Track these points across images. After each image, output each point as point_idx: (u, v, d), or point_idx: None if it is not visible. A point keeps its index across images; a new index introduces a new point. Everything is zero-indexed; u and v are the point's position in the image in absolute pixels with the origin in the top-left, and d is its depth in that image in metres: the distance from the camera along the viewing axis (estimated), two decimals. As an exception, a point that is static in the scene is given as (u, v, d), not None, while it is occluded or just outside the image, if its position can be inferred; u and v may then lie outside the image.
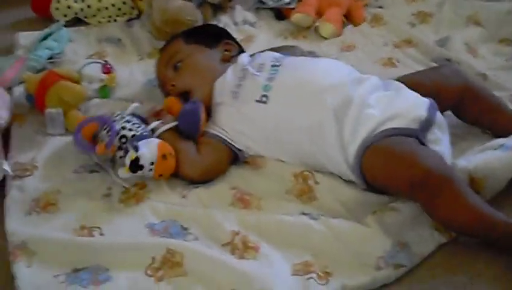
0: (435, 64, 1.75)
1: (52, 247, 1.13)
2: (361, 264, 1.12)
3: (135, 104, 1.42)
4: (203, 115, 1.37)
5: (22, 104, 1.57)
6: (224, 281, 1.07)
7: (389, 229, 1.16)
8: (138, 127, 1.32)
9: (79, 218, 1.21)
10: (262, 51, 1.59)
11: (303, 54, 1.67)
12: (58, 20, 2.00)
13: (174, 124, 1.37)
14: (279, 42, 1.91)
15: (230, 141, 1.36)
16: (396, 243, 1.14)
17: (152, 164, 1.26)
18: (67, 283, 1.07)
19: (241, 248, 1.15)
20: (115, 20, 2.08)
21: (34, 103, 1.53)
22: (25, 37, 1.93)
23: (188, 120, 1.36)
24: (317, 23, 2.00)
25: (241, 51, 1.59)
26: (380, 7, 2.16)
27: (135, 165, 1.25)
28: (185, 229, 1.19)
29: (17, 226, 1.19)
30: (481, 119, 1.46)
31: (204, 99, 1.42)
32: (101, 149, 1.29)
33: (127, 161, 1.26)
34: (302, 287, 1.08)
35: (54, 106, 1.46)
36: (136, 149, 1.25)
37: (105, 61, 1.68)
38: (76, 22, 2.07)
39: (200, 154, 1.34)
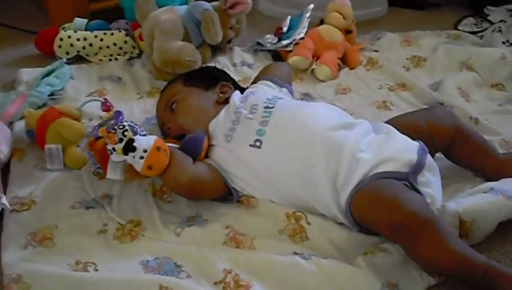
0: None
1: (47, 281, 1.13)
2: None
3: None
4: (206, 143, 1.39)
5: (22, 139, 1.59)
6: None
7: (379, 270, 1.17)
8: (142, 132, 1.32)
9: (74, 253, 1.23)
10: (253, 82, 1.64)
11: (288, 71, 1.73)
12: (60, 58, 2.04)
13: (175, 145, 1.37)
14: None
15: (226, 178, 1.38)
16: (386, 284, 1.15)
17: (145, 151, 1.23)
18: (61, 318, 1.08)
19: (233, 286, 1.16)
20: (116, 59, 2.11)
21: (34, 138, 1.55)
22: (28, 73, 1.96)
23: (191, 143, 1.38)
24: (313, 66, 2.03)
25: (240, 90, 1.60)
26: (376, 51, 2.20)
27: (128, 146, 1.23)
28: (178, 266, 1.20)
29: (13, 259, 1.20)
30: (472, 161, 1.48)
31: None
32: (103, 132, 1.33)
33: (123, 143, 1.24)
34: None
35: (53, 142, 1.48)
36: (135, 133, 1.27)
37: (105, 99, 1.70)
38: (78, 59, 2.11)
39: (196, 166, 1.35)
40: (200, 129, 1.43)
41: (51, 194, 1.41)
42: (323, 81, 2.01)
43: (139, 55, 2.14)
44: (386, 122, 1.47)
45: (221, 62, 2.10)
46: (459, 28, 2.49)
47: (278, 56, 2.14)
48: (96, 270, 1.19)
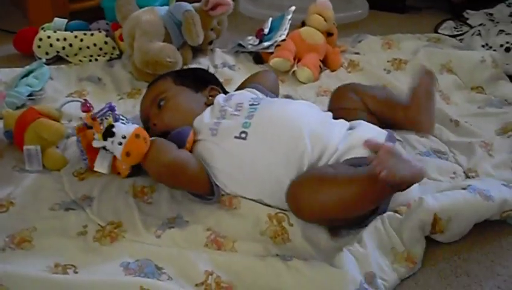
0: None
1: (26, 284, 1.12)
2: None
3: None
4: (191, 136, 1.39)
5: (0, 140, 1.57)
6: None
7: (358, 263, 1.19)
8: (128, 122, 1.35)
9: (54, 255, 1.21)
10: (240, 88, 1.65)
11: (275, 79, 1.75)
12: (39, 58, 2.02)
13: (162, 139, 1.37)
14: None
15: (210, 173, 1.37)
16: (364, 278, 1.16)
17: (124, 137, 1.26)
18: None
19: (214, 288, 1.16)
20: (96, 60, 2.09)
21: (13, 139, 1.53)
22: (6, 74, 1.94)
23: (177, 136, 1.38)
24: (295, 68, 2.03)
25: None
26: (357, 53, 2.21)
27: (108, 132, 1.27)
28: (159, 268, 1.19)
29: (-9, 262, 1.18)
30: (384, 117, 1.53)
31: None
32: (88, 119, 1.36)
33: (104, 126, 1.29)
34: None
35: (32, 142, 1.47)
36: (116, 120, 1.29)
37: (85, 100, 1.68)
38: (57, 60, 2.09)
39: (180, 151, 1.34)
40: (187, 126, 1.43)
41: (29, 195, 1.39)
42: (304, 83, 2.01)
43: (119, 56, 2.13)
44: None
45: (203, 63, 2.10)
46: (439, 31, 2.51)
47: (259, 58, 2.14)
48: (76, 272, 1.18)
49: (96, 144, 1.29)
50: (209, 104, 1.54)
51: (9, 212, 1.34)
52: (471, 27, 2.46)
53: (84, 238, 1.27)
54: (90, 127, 1.38)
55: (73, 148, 1.54)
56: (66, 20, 2.17)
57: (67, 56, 2.08)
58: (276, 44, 2.12)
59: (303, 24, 2.18)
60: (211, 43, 2.18)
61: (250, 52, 2.18)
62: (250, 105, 1.44)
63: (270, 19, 2.28)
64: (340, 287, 1.15)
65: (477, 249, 1.32)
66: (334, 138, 1.36)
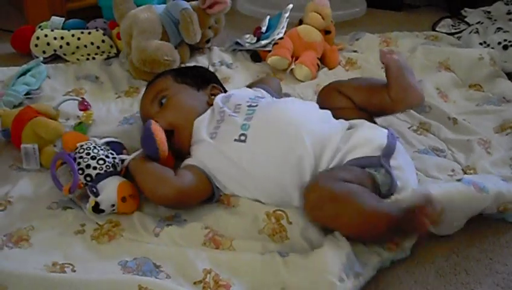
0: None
1: (24, 283, 1.11)
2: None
3: (110, 139, 1.43)
4: (159, 134, 1.34)
5: (-3, 139, 1.57)
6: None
7: (341, 244, 1.19)
8: (103, 164, 1.33)
9: (51, 254, 1.21)
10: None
11: (279, 86, 1.75)
12: (37, 57, 2.02)
13: (139, 152, 1.37)
14: (255, 84, 1.94)
15: (209, 174, 1.37)
16: (350, 254, 1.18)
17: (113, 205, 1.30)
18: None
19: (213, 286, 1.15)
20: (94, 58, 2.09)
21: (10, 138, 1.53)
22: (3, 72, 1.94)
23: (146, 143, 1.35)
24: (292, 66, 2.03)
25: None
26: (355, 51, 2.20)
27: (97, 209, 1.29)
28: (157, 267, 1.19)
29: (-11, 261, 1.17)
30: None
31: (187, 138, 1.44)
32: (66, 192, 1.34)
33: (89, 204, 1.29)
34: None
35: (29, 141, 1.47)
36: (96, 195, 1.28)
37: (83, 98, 1.68)
38: (55, 58, 2.08)
39: (179, 176, 1.34)
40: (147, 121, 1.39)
41: (27, 194, 1.39)
42: (302, 81, 2.01)
43: (116, 55, 2.12)
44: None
45: (200, 62, 2.09)
46: (437, 29, 2.51)
47: (256, 56, 2.14)
48: (74, 271, 1.17)
49: (88, 214, 1.31)
50: (211, 103, 1.53)
51: (7, 211, 1.33)
52: (469, 25, 2.45)
53: (82, 237, 1.27)
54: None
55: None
56: (63, 19, 2.17)
57: (64, 55, 2.08)
58: (273, 42, 2.11)
59: (301, 22, 2.18)
60: (208, 41, 2.18)
61: (248, 51, 2.18)
62: (248, 106, 1.43)
63: (268, 17, 2.28)
64: (330, 264, 1.15)
65: (476, 247, 1.32)
66: (334, 137, 1.36)
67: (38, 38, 2.06)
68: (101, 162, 1.33)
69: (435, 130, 1.70)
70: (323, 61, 2.12)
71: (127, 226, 1.30)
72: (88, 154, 1.33)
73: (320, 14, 2.13)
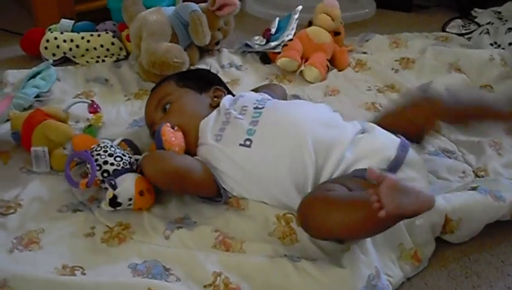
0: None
1: (34, 285, 1.11)
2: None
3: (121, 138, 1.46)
4: (166, 134, 1.38)
5: (8, 142, 1.57)
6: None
7: (363, 262, 1.18)
8: (120, 161, 1.36)
9: (61, 257, 1.21)
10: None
11: (285, 93, 1.74)
12: (47, 59, 2.02)
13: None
14: (265, 86, 1.94)
15: (216, 176, 1.37)
16: (371, 275, 1.16)
17: (130, 199, 1.30)
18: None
19: (223, 289, 1.15)
20: (103, 61, 2.09)
21: (20, 141, 1.53)
22: (13, 75, 1.94)
23: (157, 143, 1.39)
24: (302, 68, 2.02)
25: (232, 95, 1.60)
26: (364, 53, 2.20)
27: (114, 203, 1.30)
28: (167, 270, 1.19)
29: (-1, 263, 1.18)
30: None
31: (191, 142, 1.44)
32: (83, 186, 1.34)
33: (106, 197, 1.30)
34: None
35: (39, 144, 1.47)
36: (114, 187, 1.29)
37: (92, 101, 1.69)
38: (64, 61, 2.08)
39: (183, 157, 1.35)
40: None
41: (37, 197, 1.39)
42: (311, 82, 2.00)
43: (126, 57, 2.12)
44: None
45: (209, 64, 2.09)
46: (447, 30, 2.50)
47: (266, 58, 2.14)
48: (84, 274, 1.17)
49: (105, 208, 1.32)
50: (214, 105, 1.53)
51: (17, 214, 1.33)
52: (479, 25, 2.44)
53: (92, 240, 1.27)
54: (84, 163, 1.40)
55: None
56: (72, 22, 2.17)
57: (74, 57, 2.08)
58: (283, 44, 2.11)
59: (310, 23, 2.18)
60: (217, 43, 2.18)
61: (257, 52, 2.17)
62: (255, 108, 1.43)
63: (277, 18, 2.27)
64: (348, 287, 1.14)
65: (487, 250, 1.32)
66: (341, 145, 1.33)
67: (48, 41, 2.06)
68: (118, 159, 1.36)
69: (445, 132, 1.69)
70: (333, 63, 2.11)
71: (137, 228, 1.30)
72: (105, 151, 1.36)
73: (329, 16, 2.13)
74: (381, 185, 1.04)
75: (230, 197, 1.38)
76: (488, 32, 2.30)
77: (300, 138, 1.33)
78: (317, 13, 2.15)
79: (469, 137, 1.66)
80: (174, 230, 1.29)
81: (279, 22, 2.26)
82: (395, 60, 2.11)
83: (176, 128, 1.43)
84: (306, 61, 2.04)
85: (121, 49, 2.11)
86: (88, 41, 2.08)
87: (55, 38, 2.07)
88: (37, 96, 1.79)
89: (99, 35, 2.10)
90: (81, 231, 1.29)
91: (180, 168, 1.31)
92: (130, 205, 1.31)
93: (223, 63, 2.11)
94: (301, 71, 2.03)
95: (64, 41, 2.07)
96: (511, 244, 1.34)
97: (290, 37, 2.14)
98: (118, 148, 1.39)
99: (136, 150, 1.47)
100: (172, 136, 1.39)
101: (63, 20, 2.18)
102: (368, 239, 1.23)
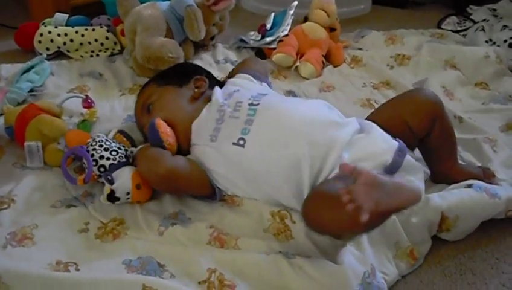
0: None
1: (27, 281, 1.11)
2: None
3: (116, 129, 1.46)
4: (161, 127, 1.38)
5: (1, 137, 1.56)
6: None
7: (359, 259, 1.19)
8: (116, 154, 1.36)
9: (55, 253, 1.20)
10: (230, 76, 1.64)
11: (265, 68, 1.74)
12: (40, 53, 2.01)
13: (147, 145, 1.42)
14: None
15: (210, 176, 1.36)
16: (367, 273, 1.17)
17: (128, 193, 1.31)
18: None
19: (218, 286, 1.15)
20: (97, 55, 2.08)
21: (14, 136, 1.52)
22: (7, 69, 1.93)
23: (151, 137, 1.38)
24: (297, 64, 2.02)
25: (218, 84, 1.59)
26: (360, 49, 2.20)
27: (112, 197, 1.30)
28: (162, 266, 1.19)
29: (-8, 259, 1.17)
30: (431, 157, 1.46)
31: (180, 138, 1.42)
32: (81, 182, 1.34)
33: (104, 193, 1.31)
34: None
35: (33, 139, 1.46)
36: (111, 182, 1.29)
37: (86, 95, 1.68)
38: (58, 55, 2.07)
39: (175, 158, 1.35)
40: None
41: (30, 192, 1.38)
42: (307, 78, 2.00)
43: (120, 52, 2.11)
44: (367, 118, 1.46)
45: (204, 59, 2.09)
46: (443, 26, 2.50)
47: (261, 53, 2.13)
48: (78, 270, 1.17)
49: (103, 202, 1.32)
50: (196, 96, 1.52)
51: (11, 209, 1.32)
52: (474, 22, 2.45)
53: (86, 235, 1.27)
54: (80, 158, 1.40)
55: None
56: (67, 16, 2.16)
57: (68, 51, 2.07)
58: (278, 39, 2.10)
59: (305, 19, 2.17)
60: (212, 38, 2.17)
61: (253, 48, 2.17)
62: (250, 104, 1.40)
63: (273, 14, 2.27)
64: (343, 284, 1.14)
65: (481, 247, 1.32)
66: (337, 146, 1.30)
67: (41, 35, 2.05)
68: (114, 153, 1.36)
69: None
70: (328, 59, 2.11)
71: (132, 224, 1.29)
72: (101, 146, 1.36)
73: (325, 11, 2.12)
74: (356, 181, 1.00)
75: (224, 195, 1.38)
76: (483, 29, 2.30)
77: (295, 140, 1.31)
78: (313, 9, 2.14)
79: (464, 134, 1.66)
80: (168, 226, 1.28)
81: (274, 17, 2.25)
82: (391, 57, 2.11)
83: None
84: (301, 57, 2.04)
85: (115, 43, 2.10)
86: (82, 35, 2.07)
87: (49, 32, 2.06)
88: (31, 90, 1.78)
89: (93, 30, 2.09)
90: (75, 226, 1.29)
91: (173, 171, 1.29)
92: (128, 198, 1.32)
93: (218, 59, 2.11)
94: (296, 67, 2.03)
95: (59, 35, 2.06)
96: (505, 241, 1.34)
97: (286, 32, 2.14)
98: (113, 142, 1.39)
99: (132, 142, 1.46)
100: (167, 127, 1.40)
101: (57, 14, 2.16)
102: (364, 236, 1.23)
